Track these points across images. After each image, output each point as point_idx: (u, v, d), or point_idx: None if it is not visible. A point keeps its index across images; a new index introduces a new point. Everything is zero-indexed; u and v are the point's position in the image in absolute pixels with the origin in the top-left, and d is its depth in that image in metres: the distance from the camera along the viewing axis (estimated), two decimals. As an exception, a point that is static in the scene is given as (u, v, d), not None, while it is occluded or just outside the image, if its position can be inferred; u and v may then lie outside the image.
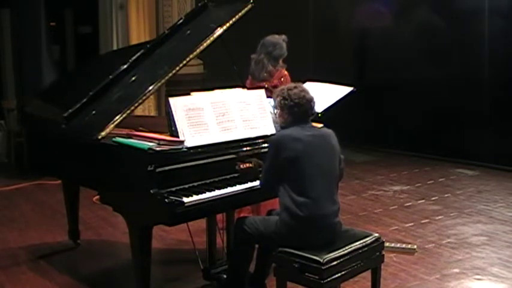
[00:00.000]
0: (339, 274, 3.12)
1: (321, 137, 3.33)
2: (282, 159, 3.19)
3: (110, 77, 3.93)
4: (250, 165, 3.53)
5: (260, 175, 3.40)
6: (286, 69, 4.73)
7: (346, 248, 3.18)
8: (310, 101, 3.32)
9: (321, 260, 3.03)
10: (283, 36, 4.70)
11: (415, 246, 4.68)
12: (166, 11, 7.84)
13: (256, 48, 4.70)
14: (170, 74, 3.66)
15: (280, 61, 4.69)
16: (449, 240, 4.90)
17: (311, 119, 3.39)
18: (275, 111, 3.49)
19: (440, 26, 7.72)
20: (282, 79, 4.60)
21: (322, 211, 3.18)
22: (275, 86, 4.20)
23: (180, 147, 3.31)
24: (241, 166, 3.51)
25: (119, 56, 4.84)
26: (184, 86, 4.75)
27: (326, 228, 3.21)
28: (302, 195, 3.16)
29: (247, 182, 3.44)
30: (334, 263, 3.08)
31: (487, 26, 7.26)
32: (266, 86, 4.41)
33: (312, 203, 3.16)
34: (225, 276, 3.76)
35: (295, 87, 3.34)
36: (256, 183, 3.42)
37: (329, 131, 3.42)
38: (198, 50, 3.77)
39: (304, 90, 3.33)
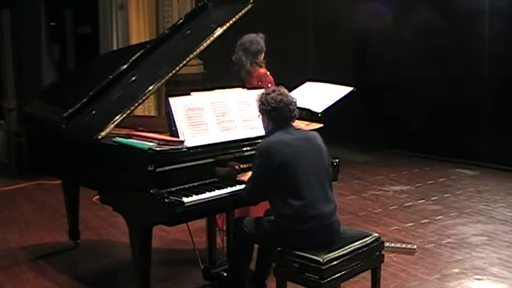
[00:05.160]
0: (339, 274, 3.12)
1: (307, 139, 3.32)
2: (274, 165, 3.15)
3: (110, 77, 3.93)
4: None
5: (245, 183, 3.34)
6: (268, 69, 4.61)
7: (346, 248, 3.18)
8: (288, 104, 3.27)
9: (321, 260, 3.03)
10: (261, 34, 4.63)
11: (415, 246, 4.68)
12: (166, 11, 7.83)
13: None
14: (170, 74, 3.66)
15: (260, 57, 4.59)
16: (449, 240, 4.91)
17: (295, 119, 3.36)
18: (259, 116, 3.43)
19: (440, 26, 7.72)
20: (262, 79, 4.49)
21: (319, 211, 3.17)
22: (255, 88, 4.16)
23: (180, 147, 3.31)
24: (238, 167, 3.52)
25: (118, 56, 4.84)
26: (184, 86, 4.75)
27: (325, 228, 3.20)
28: (298, 199, 3.14)
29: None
30: (334, 263, 3.08)
31: (487, 26, 7.26)
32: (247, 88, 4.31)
33: (309, 204, 3.15)
34: (225, 275, 3.76)
35: (273, 91, 3.32)
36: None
37: (313, 133, 3.41)
38: (198, 50, 3.77)
39: (282, 94, 3.29)
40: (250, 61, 4.53)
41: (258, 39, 4.58)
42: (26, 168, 6.59)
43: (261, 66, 4.59)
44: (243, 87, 4.06)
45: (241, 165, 3.53)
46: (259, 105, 3.32)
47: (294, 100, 3.32)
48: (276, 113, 3.27)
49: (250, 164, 3.53)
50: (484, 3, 7.26)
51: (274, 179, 3.18)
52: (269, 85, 4.43)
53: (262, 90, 3.42)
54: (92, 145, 3.53)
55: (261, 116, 3.37)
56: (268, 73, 4.55)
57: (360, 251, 3.23)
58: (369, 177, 7.02)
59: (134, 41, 7.33)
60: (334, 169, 3.76)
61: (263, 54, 4.62)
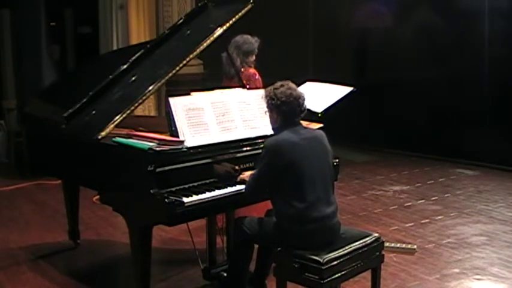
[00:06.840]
0: (339, 274, 3.12)
1: (314, 139, 3.30)
2: (282, 164, 3.14)
3: (110, 77, 3.93)
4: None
5: (247, 180, 3.33)
6: (257, 70, 4.63)
7: (346, 248, 3.18)
8: (297, 99, 3.24)
9: (321, 260, 3.03)
10: (256, 38, 4.66)
11: (415, 246, 4.68)
12: (166, 11, 7.83)
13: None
14: (170, 74, 3.66)
15: (250, 58, 4.62)
16: (449, 240, 4.91)
17: (301, 118, 3.34)
18: (266, 113, 3.39)
19: (440, 26, 7.73)
20: (251, 79, 4.51)
21: (320, 213, 3.17)
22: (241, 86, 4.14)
23: (180, 147, 3.31)
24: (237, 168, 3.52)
25: (118, 56, 4.84)
26: (184, 86, 4.75)
27: (325, 230, 3.20)
28: (300, 201, 3.14)
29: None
30: (334, 263, 3.08)
31: (487, 26, 7.26)
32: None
33: (311, 206, 3.14)
34: (225, 275, 3.76)
35: (281, 85, 3.28)
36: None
37: (320, 132, 3.39)
38: (198, 50, 3.77)
39: (291, 88, 3.26)
40: (241, 59, 4.59)
41: (251, 40, 4.64)
42: (26, 168, 6.59)
43: (250, 67, 4.62)
44: (243, 87, 4.07)
45: (241, 166, 3.53)
46: (268, 101, 3.27)
47: (303, 94, 3.29)
48: (286, 108, 3.22)
49: (250, 165, 3.54)
50: (484, 3, 7.26)
51: (280, 178, 3.17)
52: (257, 85, 4.46)
53: (268, 87, 3.36)
54: (92, 145, 3.53)
55: (268, 112, 3.32)
56: (257, 75, 4.58)
57: (360, 251, 3.23)
58: (369, 177, 7.02)
59: (134, 41, 7.33)
60: (335, 169, 3.76)
61: (254, 57, 4.65)
